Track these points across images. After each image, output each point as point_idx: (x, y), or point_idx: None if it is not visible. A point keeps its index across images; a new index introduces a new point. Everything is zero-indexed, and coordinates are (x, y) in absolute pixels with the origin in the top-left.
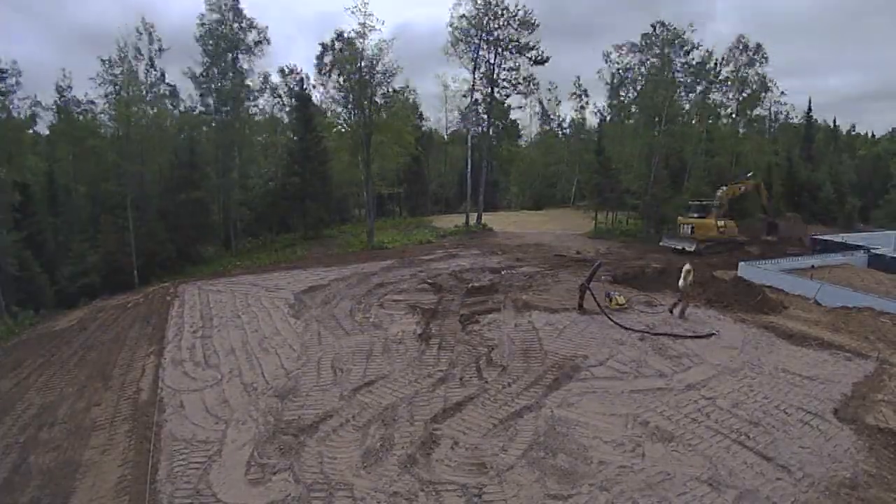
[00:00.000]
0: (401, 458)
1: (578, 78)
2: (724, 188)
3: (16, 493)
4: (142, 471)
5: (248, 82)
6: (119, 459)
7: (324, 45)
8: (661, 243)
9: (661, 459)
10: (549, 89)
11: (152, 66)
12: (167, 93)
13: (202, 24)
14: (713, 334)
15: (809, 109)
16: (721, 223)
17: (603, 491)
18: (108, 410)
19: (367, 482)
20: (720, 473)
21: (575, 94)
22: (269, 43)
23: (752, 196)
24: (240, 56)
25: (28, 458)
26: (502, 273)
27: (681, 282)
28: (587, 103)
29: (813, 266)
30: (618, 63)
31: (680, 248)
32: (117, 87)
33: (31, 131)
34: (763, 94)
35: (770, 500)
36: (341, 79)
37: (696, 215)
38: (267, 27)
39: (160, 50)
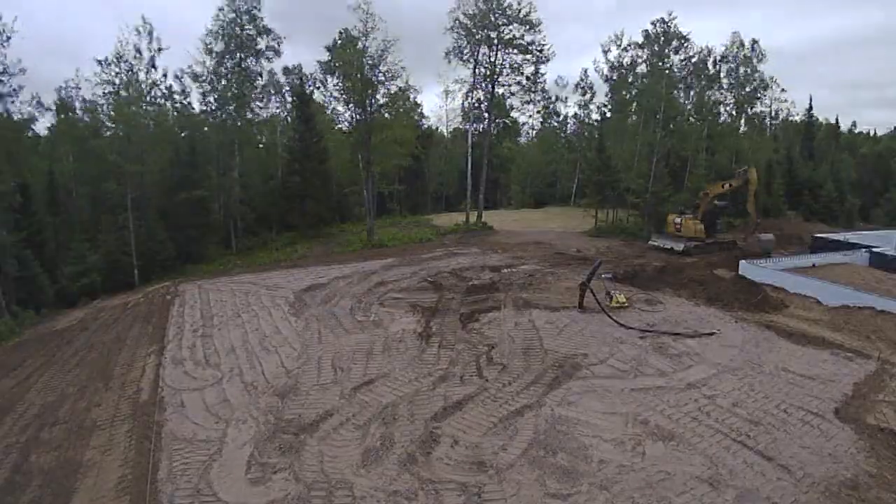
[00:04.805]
0: (401, 457)
1: (585, 71)
2: (706, 187)
3: (17, 493)
4: (142, 470)
5: (256, 83)
6: (120, 459)
7: (329, 49)
8: (649, 242)
9: (661, 458)
10: (557, 83)
11: (153, 65)
12: (167, 92)
13: (217, 19)
14: (714, 333)
15: (810, 107)
16: (678, 221)
17: (603, 490)
18: (109, 410)
19: (368, 481)
20: (720, 473)
21: (581, 87)
22: (279, 55)
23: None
24: (248, 59)
25: (29, 458)
26: (502, 271)
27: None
28: (592, 98)
29: (814, 265)
30: (617, 58)
31: (668, 247)
32: (117, 87)
33: (30, 132)
34: (762, 91)
35: (770, 500)
36: (343, 77)
37: (684, 214)
38: (284, 38)
39: (160, 49)
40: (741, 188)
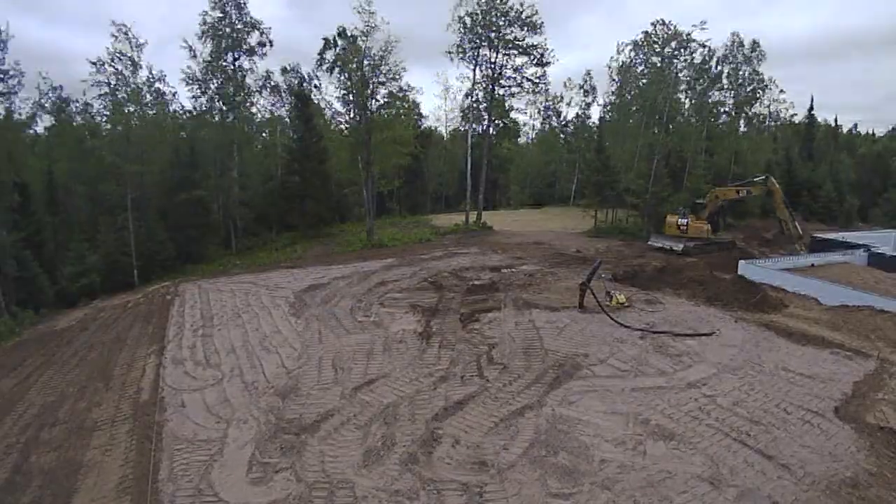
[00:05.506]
0: (402, 457)
1: (589, 72)
2: (716, 189)
3: (17, 493)
4: (143, 470)
5: (248, 81)
6: (120, 459)
7: (326, 41)
8: (648, 243)
9: (662, 458)
10: (566, 84)
11: (134, 65)
12: (157, 94)
13: (203, 22)
14: (714, 333)
15: (811, 108)
16: (683, 222)
17: (604, 489)
18: (109, 410)
19: (369, 481)
20: (721, 472)
21: (583, 88)
22: (271, 45)
23: (760, 200)
24: (241, 56)
25: (30, 458)
26: (502, 271)
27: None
28: (594, 99)
29: (813, 265)
30: (625, 59)
31: (667, 247)
32: (112, 87)
33: (30, 131)
34: (760, 92)
35: (771, 499)
36: (343, 77)
37: (685, 215)
38: (270, 28)
39: (139, 46)
40: (763, 196)
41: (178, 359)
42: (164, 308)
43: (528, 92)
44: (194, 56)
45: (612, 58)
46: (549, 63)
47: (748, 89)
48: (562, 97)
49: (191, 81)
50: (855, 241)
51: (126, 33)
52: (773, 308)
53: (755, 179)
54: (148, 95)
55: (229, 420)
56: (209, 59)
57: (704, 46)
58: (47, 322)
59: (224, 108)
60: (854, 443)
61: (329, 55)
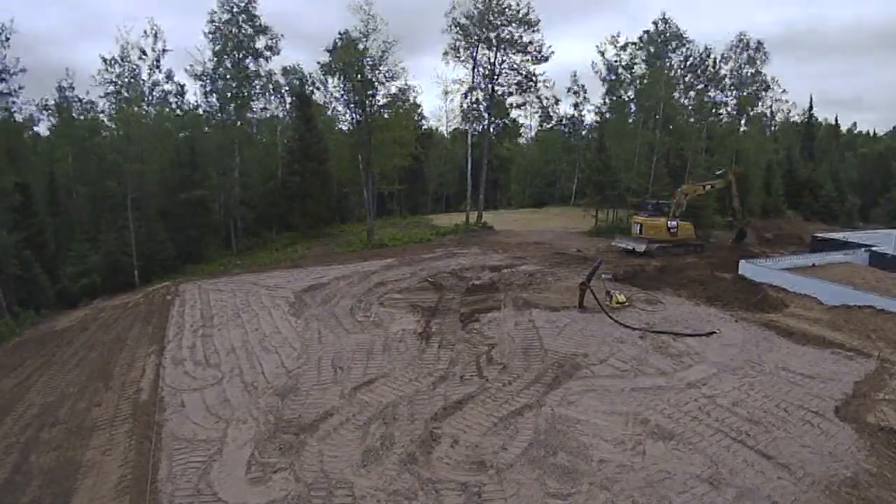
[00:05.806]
0: (401, 457)
1: (575, 73)
2: (683, 186)
3: (17, 493)
4: (142, 470)
5: (255, 82)
6: (120, 459)
7: (329, 51)
8: (612, 243)
9: (661, 458)
10: (547, 85)
11: (157, 66)
12: (171, 92)
13: (211, 21)
14: (714, 332)
15: (811, 108)
16: (673, 224)
17: (603, 489)
18: (109, 410)
19: (368, 481)
20: (721, 472)
21: (572, 90)
22: (278, 53)
23: (721, 195)
24: (247, 59)
25: (29, 458)
26: (502, 271)
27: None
28: (584, 100)
29: (814, 264)
30: (615, 59)
31: (630, 248)
32: (118, 87)
33: (30, 132)
34: (762, 92)
35: (770, 499)
36: (343, 79)
37: (646, 214)
38: (282, 35)
39: (164, 51)
40: (723, 189)
41: (177, 359)
42: (164, 308)
43: (525, 90)
44: (212, 52)
45: (593, 62)
46: (546, 59)
47: (750, 90)
48: (557, 100)
49: (199, 78)
50: (856, 241)
51: (156, 34)
52: (773, 308)
53: (717, 174)
54: (159, 92)
55: (229, 420)
56: (217, 57)
57: (682, 38)
58: (48, 322)
59: (230, 107)
60: (854, 443)
61: (330, 59)
